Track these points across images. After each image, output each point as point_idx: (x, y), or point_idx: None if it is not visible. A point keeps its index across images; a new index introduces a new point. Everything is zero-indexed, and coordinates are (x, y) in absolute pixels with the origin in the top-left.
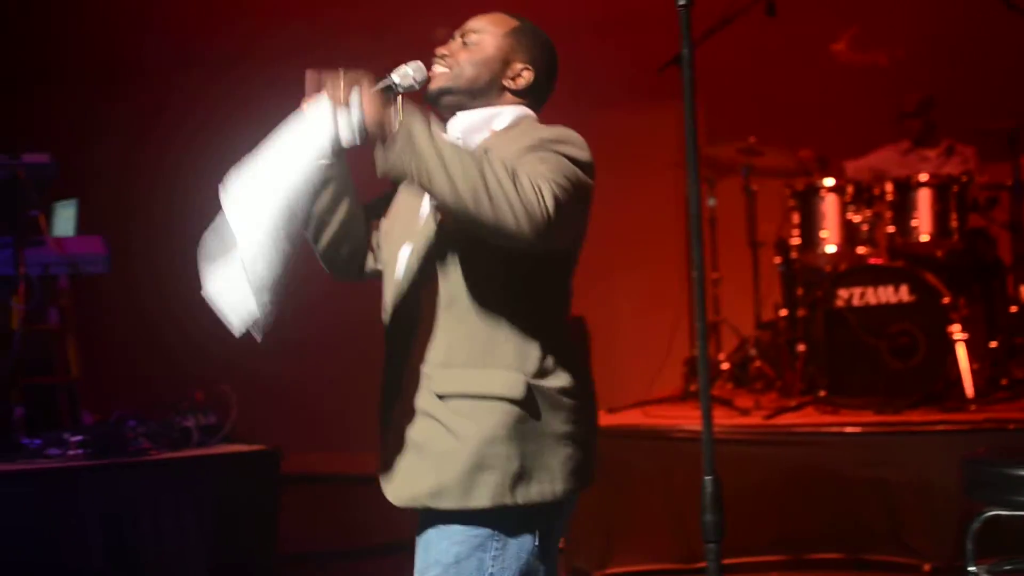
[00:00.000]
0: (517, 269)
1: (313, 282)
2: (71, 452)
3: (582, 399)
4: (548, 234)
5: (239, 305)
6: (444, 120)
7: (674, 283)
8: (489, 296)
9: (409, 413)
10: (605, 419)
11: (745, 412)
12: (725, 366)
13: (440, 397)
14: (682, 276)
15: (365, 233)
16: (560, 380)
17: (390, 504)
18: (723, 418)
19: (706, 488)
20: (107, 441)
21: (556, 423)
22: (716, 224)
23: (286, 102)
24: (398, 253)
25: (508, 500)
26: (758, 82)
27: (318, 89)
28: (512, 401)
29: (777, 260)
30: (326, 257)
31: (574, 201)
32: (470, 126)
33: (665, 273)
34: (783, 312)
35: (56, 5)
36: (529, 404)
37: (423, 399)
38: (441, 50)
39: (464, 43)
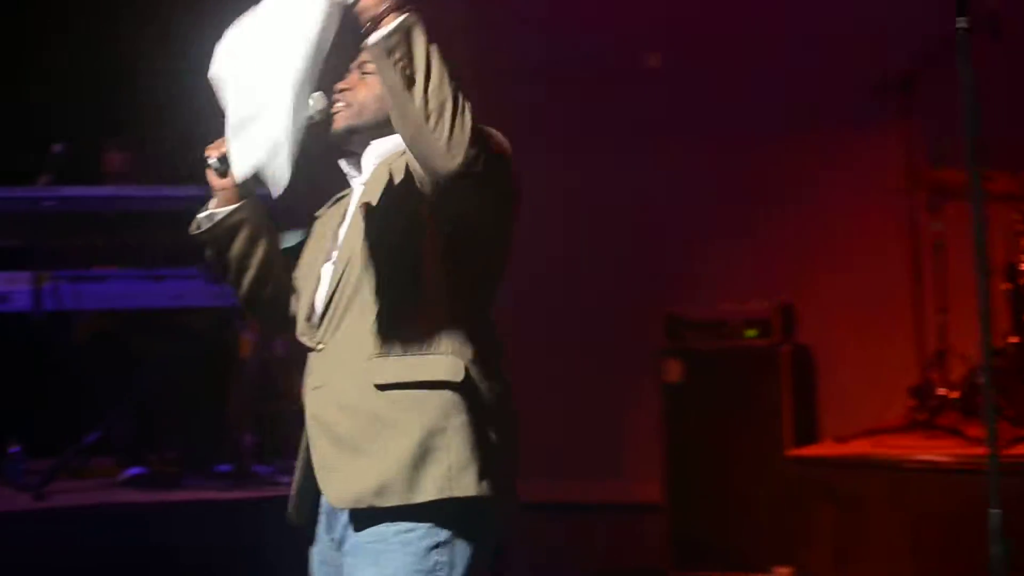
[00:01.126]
0: (446, 262)
1: (529, 304)
2: None
3: (511, 405)
4: (474, 175)
5: (254, 151)
6: (356, 154)
7: (899, 310)
8: (422, 291)
9: (340, 411)
10: (835, 449)
11: (977, 442)
12: (953, 395)
13: (378, 388)
14: (907, 303)
15: (286, 275)
16: (497, 382)
17: (620, 530)
18: (953, 448)
19: (993, 521)
20: None
21: (498, 420)
22: (942, 250)
23: None
24: (319, 272)
25: (456, 492)
26: (985, 105)
27: None
28: (453, 387)
29: (1005, 286)
30: (249, 301)
31: (498, 169)
32: (385, 153)
33: (889, 300)
34: (1012, 339)
35: None
36: (470, 390)
37: (357, 394)
38: (341, 85)
39: (362, 76)
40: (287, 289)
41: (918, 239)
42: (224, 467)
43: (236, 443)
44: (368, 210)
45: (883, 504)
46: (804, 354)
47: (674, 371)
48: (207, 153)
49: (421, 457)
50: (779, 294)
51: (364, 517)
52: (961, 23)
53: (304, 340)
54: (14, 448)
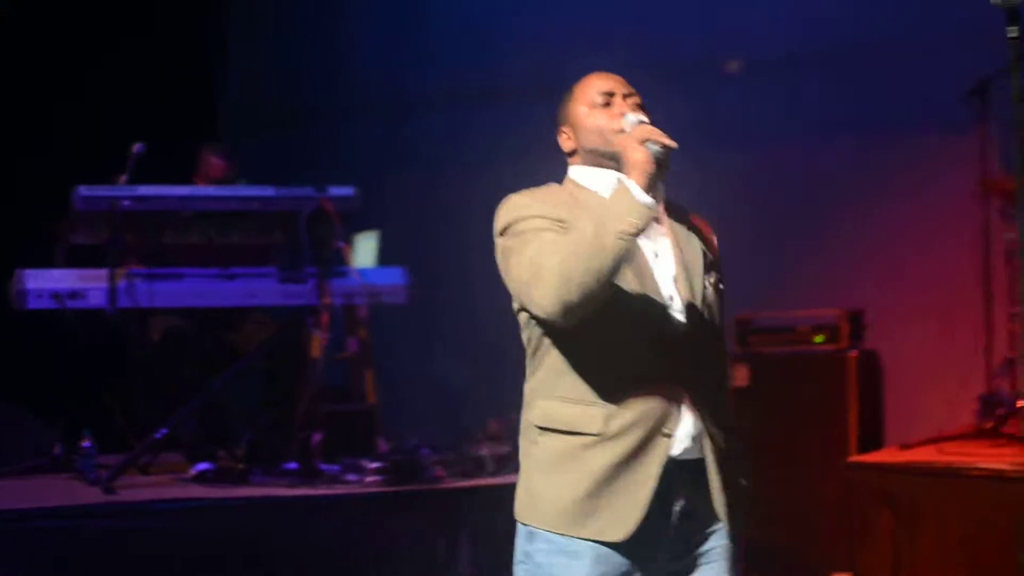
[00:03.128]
0: None
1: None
2: (368, 479)
3: None
4: None
5: None
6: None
7: (969, 317)
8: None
9: (727, 460)
10: (899, 456)
11: None
12: (1020, 403)
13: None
14: (977, 310)
15: None
16: None
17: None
18: (1019, 456)
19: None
20: (403, 468)
21: None
22: (1014, 257)
23: None
24: (669, 307)
25: None
26: None
27: None
28: None
29: None
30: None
31: None
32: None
33: (960, 307)
34: None
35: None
36: None
37: (731, 442)
38: (639, 112)
39: (639, 106)
40: None
41: (990, 246)
42: (291, 464)
43: (304, 441)
44: (693, 256)
45: (944, 512)
46: (872, 360)
47: (741, 376)
48: (653, 137)
49: None
50: (848, 300)
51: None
52: (1012, 32)
53: (646, 377)
54: (85, 443)
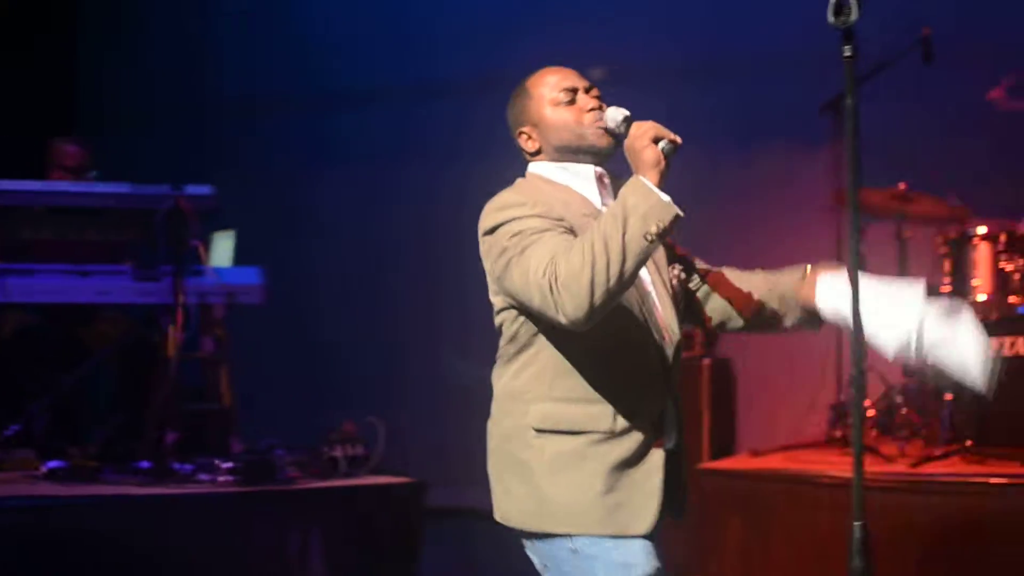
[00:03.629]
0: None
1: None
2: (221, 478)
3: None
4: None
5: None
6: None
7: (823, 329)
8: None
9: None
10: (750, 463)
11: (890, 460)
12: (871, 413)
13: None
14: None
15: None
16: None
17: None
18: (868, 465)
19: (855, 534)
20: (256, 469)
21: None
22: (865, 270)
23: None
24: (670, 329)
25: None
26: (911, 128)
27: None
28: None
29: None
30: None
31: None
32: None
33: None
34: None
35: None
36: None
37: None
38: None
39: (599, 98)
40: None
41: (843, 258)
42: (144, 463)
43: (157, 440)
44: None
45: (793, 518)
46: (725, 368)
47: None
48: (663, 134)
49: None
50: None
51: None
52: (846, 51)
53: (644, 372)
54: None
